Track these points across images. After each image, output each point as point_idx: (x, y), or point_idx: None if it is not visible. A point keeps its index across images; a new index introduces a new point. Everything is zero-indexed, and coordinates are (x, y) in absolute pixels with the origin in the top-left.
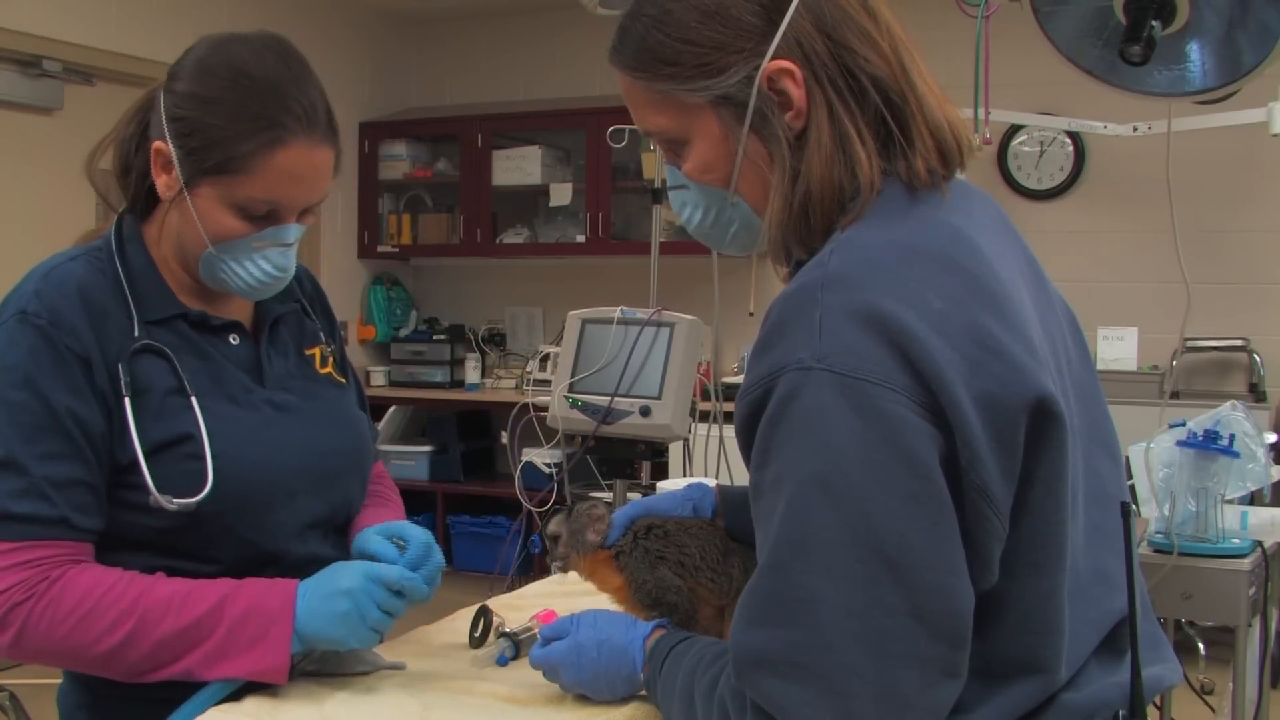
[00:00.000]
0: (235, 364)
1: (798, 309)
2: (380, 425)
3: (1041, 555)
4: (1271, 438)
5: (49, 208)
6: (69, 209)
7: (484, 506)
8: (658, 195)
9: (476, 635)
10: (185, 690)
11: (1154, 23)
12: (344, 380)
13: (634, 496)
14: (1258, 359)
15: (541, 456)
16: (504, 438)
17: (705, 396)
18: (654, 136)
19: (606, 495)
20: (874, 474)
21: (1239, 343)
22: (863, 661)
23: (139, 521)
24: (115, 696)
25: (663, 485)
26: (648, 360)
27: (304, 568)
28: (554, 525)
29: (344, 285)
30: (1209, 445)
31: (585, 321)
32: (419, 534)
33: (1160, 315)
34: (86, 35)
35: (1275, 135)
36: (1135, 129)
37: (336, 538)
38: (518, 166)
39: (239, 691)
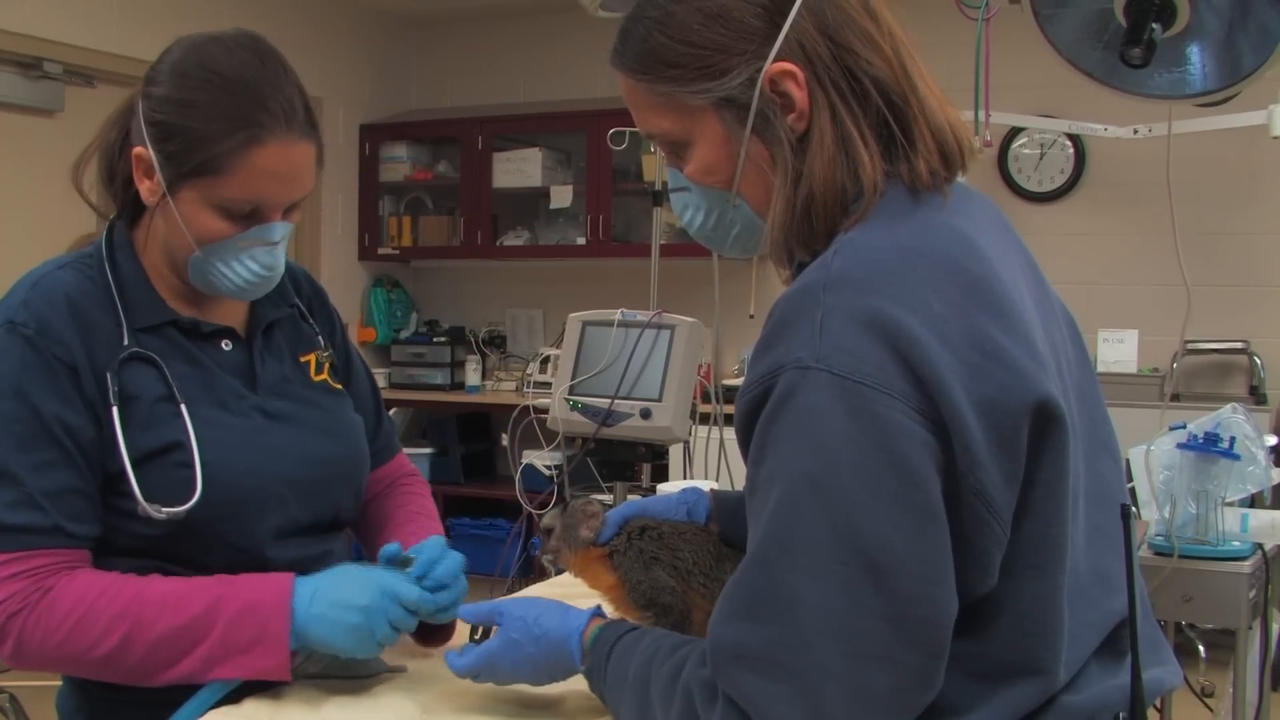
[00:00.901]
0: (227, 370)
1: (800, 309)
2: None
3: (1041, 557)
4: (1272, 440)
5: (49, 209)
6: (69, 211)
7: (484, 509)
8: (658, 197)
9: (476, 638)
10: (184, 693)
11: (1154, 25)
12: (339, 387)
13: (634, 498)
14: (1258, 361)
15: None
16: (504, 440)
17: (706, 399)
18: (656, 139)
19: (607, 497)
20: (863, 477)
21: (1239, 345)
22: (837, 662)
23: (129, 529)
24: (114, 700)
25: (663, 487)
26: (648, 362)
27: (289, 570)
28: (549, 519)
29: (344, 287)
30: (1209, 448)
31: (586, 324)
32: (449, 563)
33: (1161, 317)
34: (87, 37)
35: (1275, 138)
36: (1135, 131)
37: (321, 537)
38: (518, 169)
39: (238, 693)
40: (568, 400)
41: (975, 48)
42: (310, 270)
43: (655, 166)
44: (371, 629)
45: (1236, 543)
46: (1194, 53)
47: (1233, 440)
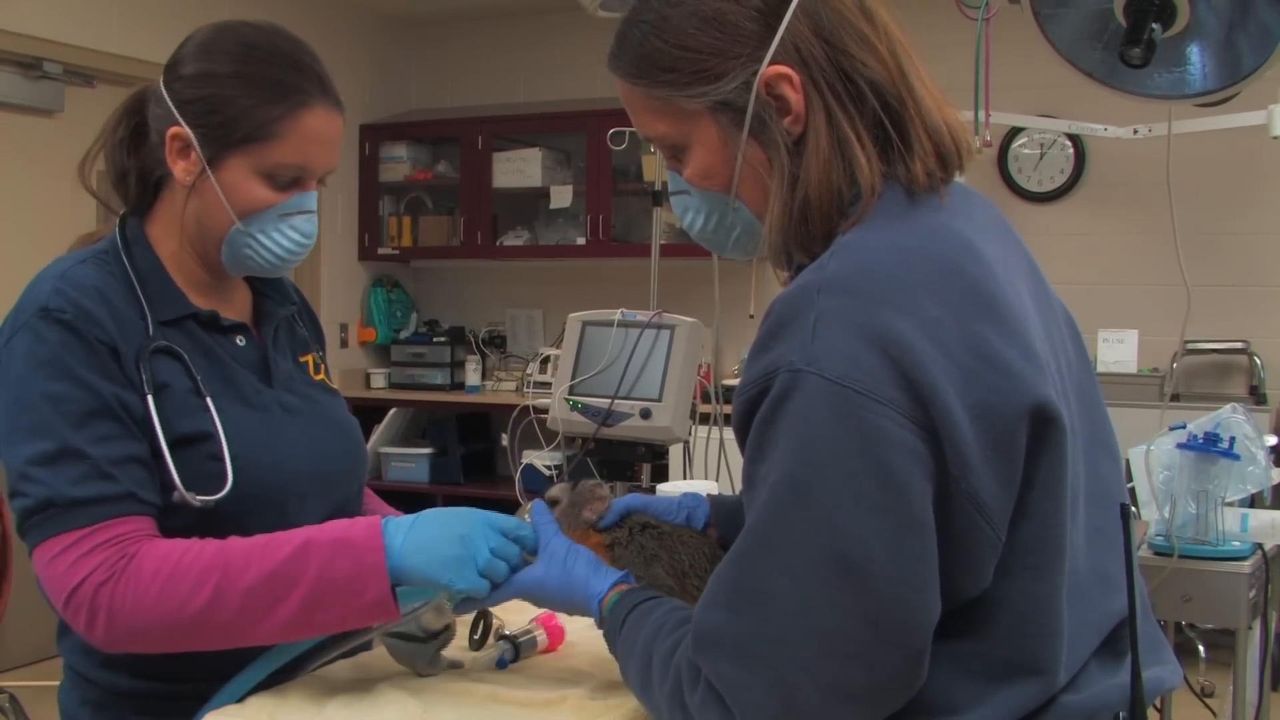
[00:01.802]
0: (243, 365)
1: (794, 311)
2: (380, 427)
3: (1040, 558)
4: (1272, 440)
5: (49, 209)
6: (69, 210)
7: (484, 509)
8: (658, 198)
9: (476, 638)
10: (187, 688)
11: (1154, 25)
12: (335, 388)
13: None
14: (1258, 361)
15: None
16: (504, 440)
17: (705, 399)
18: (654, 142)
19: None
20: (845, 482)
21: (1239, 345)
22: (811, 657)
23: (159, 522)
24: (116, 692)
25: (663, 487)
26: (648, 362)
27: None
28: (557, 490)
29: (344, 287)
30: (1209, 448)
31: (585, 324)
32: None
33: (1160, 317)
34: (87, 37)
35: (1275, 138)
36: (1135, 131)
37: None
38: (518, 169)
39: (239, 693)
40: (568, 400)
41: (975, 48)
42: (310, 270)
43: (655, 166)
44: (473, 556)
45: (1236, 543)
46: (1194, 53)
47: (1233, 440)
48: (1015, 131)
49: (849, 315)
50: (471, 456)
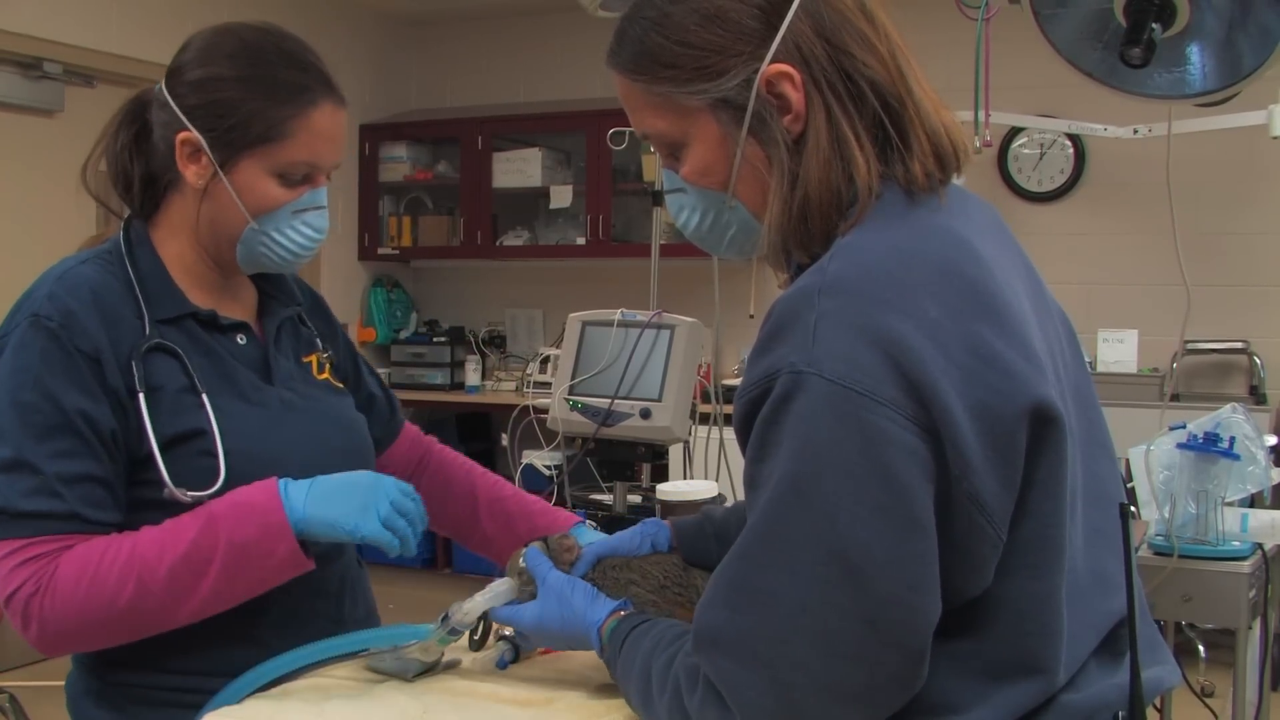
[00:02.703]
0: (243, 363)
1: (795, 313)
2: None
3: (1040, 557)
4: (1272, 440)
5: (49, 209)
6: (69, 210)
7: None
8: (658, 197)
9: (476, 638)
10: (188, 680)
11: (1154, 25)
12: (341, 385)
13: (634, 499)
14: (1258, 361)
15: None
16: (504, 440)
17: (705, 399)
18: (652, 139)
19: (607, 498)
20: (846, 483)
21: (1239, 345)
22: (810, 657)
23: (154, 517)
24: (120, 683)
25: (663, 488)
26: (648, 362)
27: (312, 566)
28: (537, 546)
29: (344, 287)
30: (1209, 448)
31: (585, 324)
32: None
33: (1160, 317)
34: (87, 37)
35: (1275, 138)
36: (1135, 131)
37: None
38: (518, 169)
39: (238, 695)
40: (568, 400)
41: (975, 48)
42: (310, 269)
43: (655, 166)
44: (374, 505)
45: (1236, 543)
46: (1194, 53)
47: (1233, 440)
48: (1015, 131)
49: (850, 316)
50: (471, 456)
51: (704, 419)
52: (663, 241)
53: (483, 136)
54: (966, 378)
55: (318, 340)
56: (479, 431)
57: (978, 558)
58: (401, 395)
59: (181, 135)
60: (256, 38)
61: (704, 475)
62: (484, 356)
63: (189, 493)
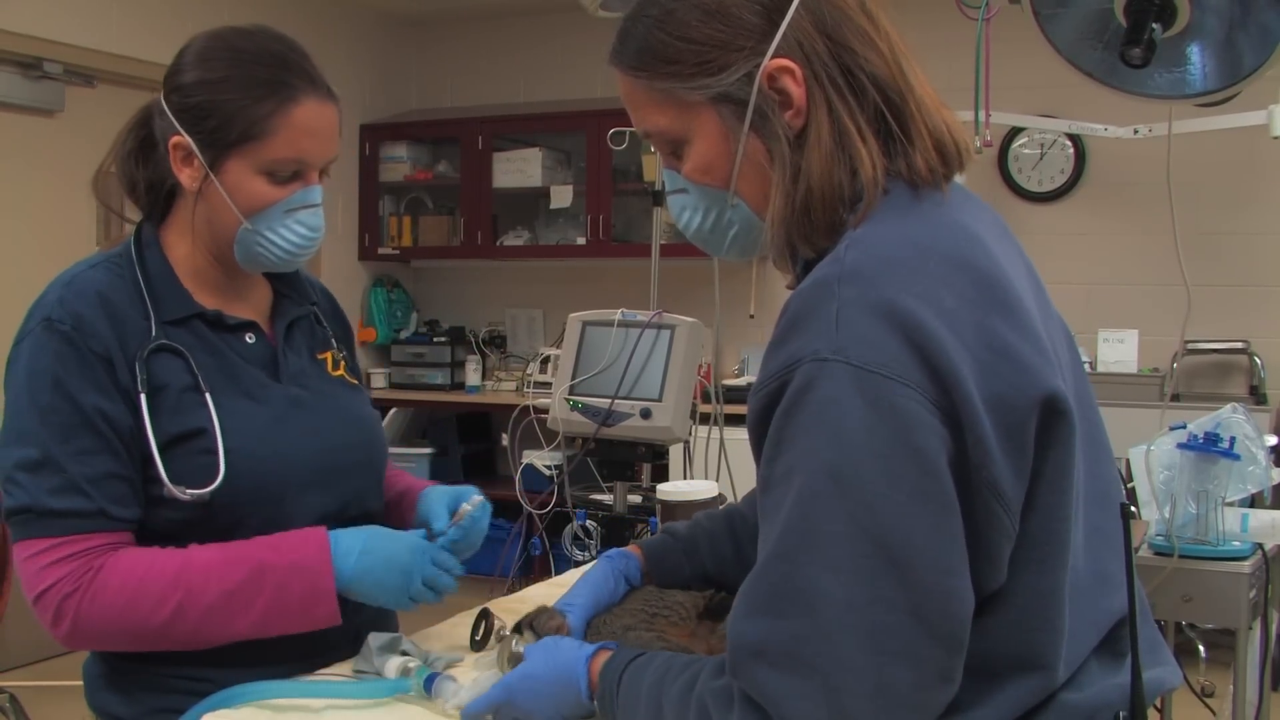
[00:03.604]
0: (251, 362)
1: (815, 303)
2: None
3: (1044, 552)
4: (1272, 440)
5: (50, 209)
6: (70, 210)
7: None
8: (658, 197)
9: (477, 638)
10: (200, 669)
11: (1154, 25)
12: (355, 382)
13: (634, 499)
14: (1258, 361)
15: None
16: (504, 440)
17: (706, 399)
18: (653, 137)
19: (607, 498)
20: (883, 468)
21: (1239, 345)
22: (859, 657)
23: (159, 514)
24: (131, 670)
25: (663, 488)
26: (648, 362)
27: None
28: (524, 623)
29: (344, 287)
30: (1209, 448)
31: (586, 324)
32: (480, 510)
33: (1161, 317)
34: (87, 37)
35: (1275, 138)
36: (1136, 131)
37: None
38: (518, 169)
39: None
40: (568, 400)
41: (975, 48)
42: (310, 269)
43: (655, 166)
44: (407, 586)
45: (1236, 543)
46: (1194, 53)
47: (1233, 440)
48: (1015, 131)
49: (872, 302)
50: (472, 456)
51: (704, 419)
52: (663, 241)
53: (483, 136)
54: (983, 369)
55: (333, 340)
56: (479, 431)
57: (995, 549)
58: (402, 395)
59: (174, 139)
60: (240, 40)
61: (704, 475)
62: (484, 356)
63: (187, 490)
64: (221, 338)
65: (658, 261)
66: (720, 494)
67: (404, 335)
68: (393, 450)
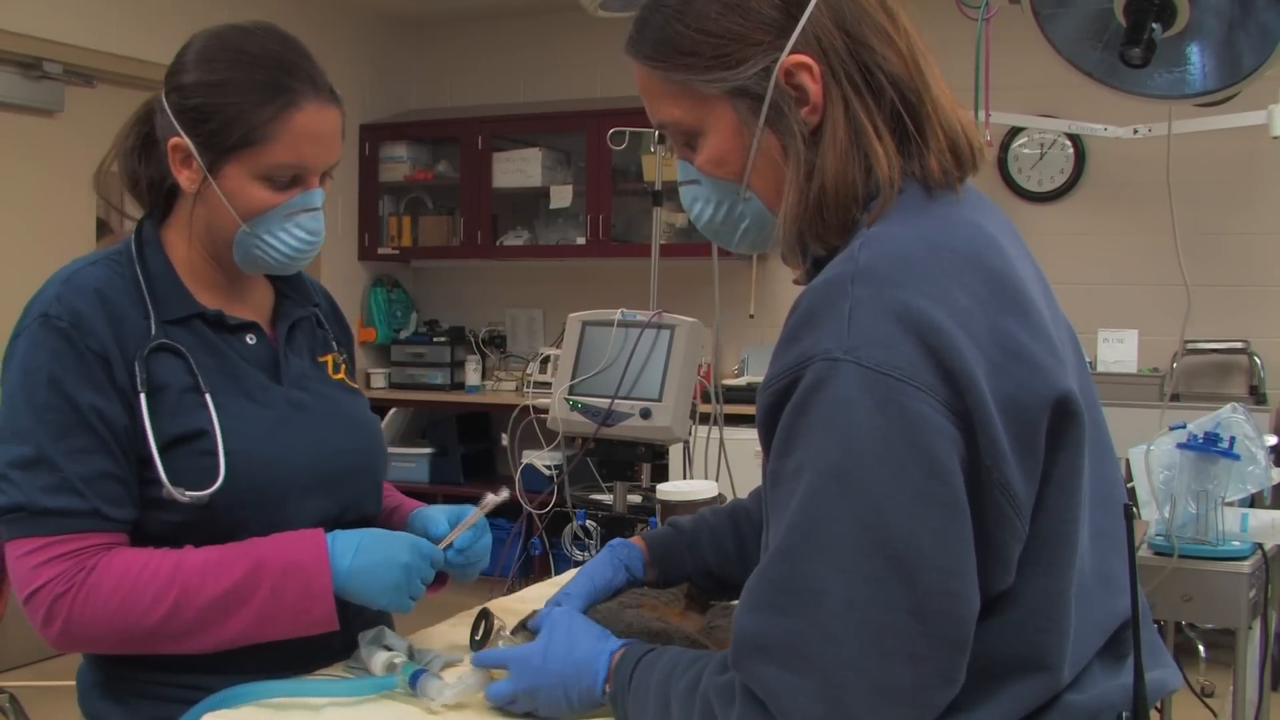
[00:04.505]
0: (251, 363)
1: (827, 301)
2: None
3: (1052, 553)
4: (1272, 440)
5: (50, 209)
6: (70, 210)
7: None
8: (658, 198)
9: (477, 638)
10: (197, 676)
11: (1154, 25)
12: (356, 386)
13: (634, 499)
14: (1258, 361)
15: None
16: (504, 440)
17: (705, 399)
18: (668, 129)
19: (607, 498)
20: (890, 470)
21: (1239, 345)
22: (860, 656)
23: (157, 516)
24: (125, 678)
25: (663, 488)
26: (648, 362)
27: None
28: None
29: (344, 287)
30: (1209, 448)
31: (585, 324)
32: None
33: (1160, 317)
34: (87, 37)
35: (1275, 138)
36: (1135, 131)
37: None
38: (518, 168)
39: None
40: (568, 400)
41: (975, 48)
42: (311, 269)
43: (655, 167)
44: (409, 585)
45: (1236, 543)
46: (1194, 53)
47: (1233, 440)
48: (1015, 131)
49: (886, 303)
50: (471, 456)
51: (704, 419)
52: (663, 241)
53: (483, 136)
54: (995, 370)
55: (334, 342)
56: (479, 431)
57: (1005, 550)
58: (402, 395)
59: (173, 140)
60: (243, 41)
61: (704, 475)
62: (484, 356)
63: (186, 492)
64: (222, 338)
65: (657, 261)
66: (720, 494)
67: (404, 335)
68: (392, 450)
